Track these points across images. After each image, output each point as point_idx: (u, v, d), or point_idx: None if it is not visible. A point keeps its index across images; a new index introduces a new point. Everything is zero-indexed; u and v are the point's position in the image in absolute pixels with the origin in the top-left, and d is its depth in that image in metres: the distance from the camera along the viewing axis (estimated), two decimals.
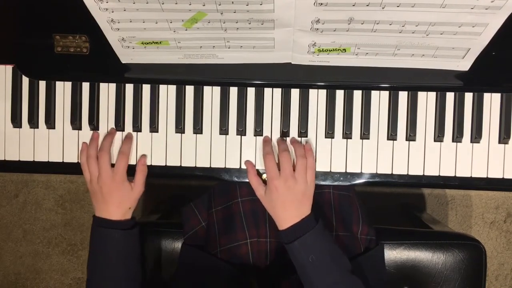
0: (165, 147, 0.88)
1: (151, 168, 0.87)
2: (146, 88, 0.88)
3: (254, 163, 0.86)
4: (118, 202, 0.83)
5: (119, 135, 0.88)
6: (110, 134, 0.87)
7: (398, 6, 0.68)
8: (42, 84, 0.89)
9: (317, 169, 0.86)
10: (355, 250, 0.91)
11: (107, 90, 0.88)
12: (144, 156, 0.87)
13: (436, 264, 0.99)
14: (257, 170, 0.86)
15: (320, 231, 0.79)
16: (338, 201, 0.93)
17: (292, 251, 0.78)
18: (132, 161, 0.87)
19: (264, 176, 0.85)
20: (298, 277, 0.83)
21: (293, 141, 0.85)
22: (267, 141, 0.86)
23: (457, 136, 0.85)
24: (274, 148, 0.85)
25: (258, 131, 0.86)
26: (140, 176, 0.86)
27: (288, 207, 0.79)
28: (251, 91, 0.87)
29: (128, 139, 0.87)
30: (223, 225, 0.92)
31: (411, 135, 0.85)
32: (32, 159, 0.89)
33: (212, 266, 0.90)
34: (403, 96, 0.86)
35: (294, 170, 0.81)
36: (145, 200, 1.66)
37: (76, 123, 0.88)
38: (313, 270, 0.76)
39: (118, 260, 0.82)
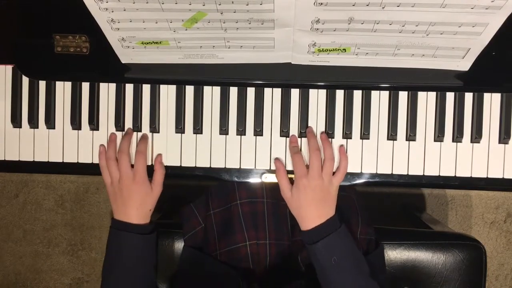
0: (165, 147, 0.87)
1: (150, 167, 0.87)
2: (146, 88, 0.88)
3: (254, 163, 0.86)
4: (139, 204, 0.82)
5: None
6: (127, 135, 0.86)
7: (398, 6, 0.68)
8: (42, 84, 0.89)
9: None
10: None
11: (107, 90, 0.88)
12: (160, 155, 0.87)
13: (436, 264, 0.99)
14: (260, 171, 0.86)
15: (344, 233, 0.79)
16: (337, 202, 0.93)
17: (314, 252, 0.78)
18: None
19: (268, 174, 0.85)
20: (302, 283, 0.83)
21: (323, 138, 0.85)
22: (295, 141, 0.85)
23: (457, 136, 0.85)
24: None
25: (258, 131, 0.86)
26: (159, 176, 0.85)
27: (314, 206, 0.79)
28: (251, 91, 0.87)
29: (144, 138, 0.87)
30: (222, 228, 0.92)
31: (411, 135, 0.85)
32: (32, 159, 0.89)
33: (213, 269, 0.89)
34: (403, 96, 0.86)
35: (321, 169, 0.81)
36: None
37: (76, 123, 0.88)
38: (335, 272, 0.76)
39: (134, 264, 0.81)
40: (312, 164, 0.81)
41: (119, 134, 0.88)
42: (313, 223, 0.79)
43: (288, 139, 0.86)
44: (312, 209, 0.79)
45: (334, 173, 0.83)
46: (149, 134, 0.88)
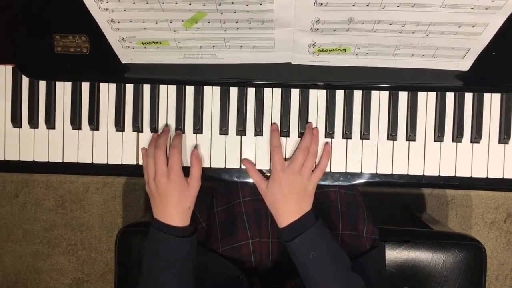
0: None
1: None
2: (146, 88, 0.88)
3: (254, 163, 0.86)
4: (176, 202, 0.79)
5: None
6: (164, 132, 0.85)
7: (398, 6, 0.68)
8: (42, 84, 0.89)
9: None
10: (361, 249, 0.92)
11: (107, 90, 0.88)
12: (196, 148, 0.85)
13: (436, 264, 0.99)
14: (260, 170, 0.86)
15: (321, 228, 0.79)
16: (344, 200, 0.93)
17: (293, 249, 0.78)
18: None
19: (267, 174, 0.86)
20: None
21: (315, 134, 0.84)
22: (276, 133, 0.84)
23: (457, 136, 0.85)
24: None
25: (258, 131, 0.86)
26: (195, 170, 0.82)
27: (290, 201, 0.79)
28: (251, 91, 0.87)
29: (178, 134, 0.85)
30: (225, 225, 0.92)
31: (411, 135, 0.85)
32: (32, 159, 0.89)
33: (216, 266, 0.89)
34: (403, 96, 0.86)
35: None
36: (146, 200, 1.66)
37: (76, 123, 0.88)
38: (314, 267, 0.76)
39: (172, 266, 0.79)
40: (295, 159, 0.80)
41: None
42: (289, 219, 0.78)
43: (287, 139, 0.86)
44: (287, 203, 0.79)
45: (313, 170, 0.82)
46: (149, 134, 0.88)
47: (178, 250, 0.80)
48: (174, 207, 0.80)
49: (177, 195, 0.79)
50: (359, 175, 0.86)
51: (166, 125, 0.88)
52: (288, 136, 0.86)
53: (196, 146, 0.86)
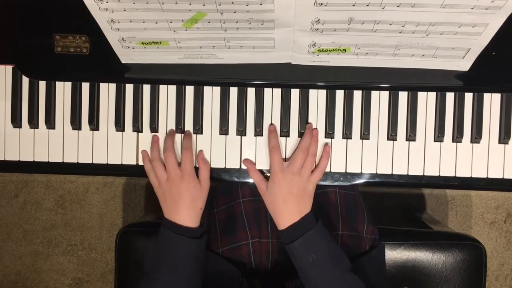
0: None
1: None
2: (146, 88, 0.88)
3: (254, 163, 0.86)
4: (189, 202, 0.80)
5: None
6: (171, 134, 0.86)
7: (398, 6, 0.68)
8: (42, 84, 0.89)
9: None
10: (360, 249, 0.91)
11: (107, 90, 0.88)
12: (201, 151, 0.86)
13: (436, 264, 0.99)
14: (261, 170, 0.86)
15: (320, 229, 0.79)
16: (344, 200, 0.93)
17: (292, 251, 0.77)
18: None
19: (268, 174, 0.86)
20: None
21: (315, 134, 0.84)
22: (274, 134, 0.84)
23: (457, 136, 0.85)
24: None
25: (258, 131, 0.86)
26: (204, 171, 0.84)
27: (289, 201, 0.79)
28: (251, 91, 0.87)
29: (188, 135, 0.86)
30: (225, 226, 0.92)
31: (411, 135, 0.85)
32: (32, 159, 0.89)
33: (216, 267, 0.89)
34: (403, 96, 0.86)
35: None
36: (146, 200, 1.66)
37: (76, 123, 0.88)
38: (314, 269, 0.76)
39: (183, 266, 0.79)
40: (294, 160, 0.80)
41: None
42: (289, 220, 0.78)
43: (287, 139, 0.86)
44: (287, 204, 0.79)
45: (312, 170, 0.82)
46: (149, 134, 0.88)
47: (189, 251, 0.80)
48: (187, 207, 0.80)
49: (191, 195, 0.81)
50: (359, 175, 0.86)
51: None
52: (288, 136, 0.86)
53: (201, 150, 0.87)
